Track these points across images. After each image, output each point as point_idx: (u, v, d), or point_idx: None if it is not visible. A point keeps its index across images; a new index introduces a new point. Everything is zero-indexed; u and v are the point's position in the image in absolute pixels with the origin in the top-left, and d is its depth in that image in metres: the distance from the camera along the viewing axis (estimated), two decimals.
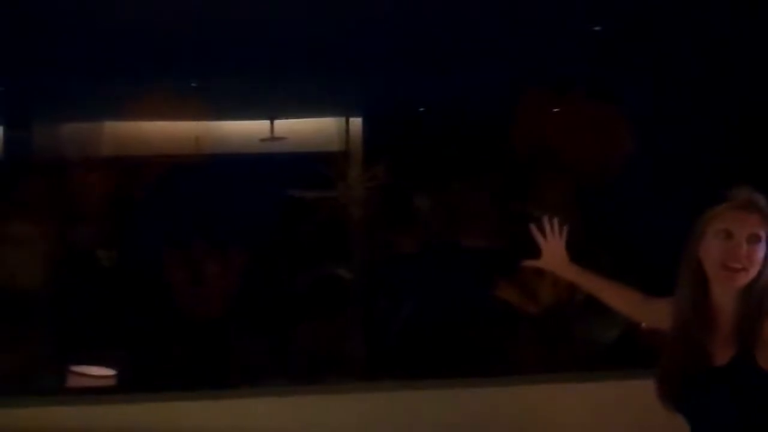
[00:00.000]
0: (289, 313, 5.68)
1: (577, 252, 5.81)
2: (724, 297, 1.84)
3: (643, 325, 3.99)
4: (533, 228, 2.31)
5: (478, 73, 7.01)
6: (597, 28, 6.89)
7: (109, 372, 5.21)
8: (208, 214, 6.29)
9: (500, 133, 6.41)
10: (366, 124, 7.85)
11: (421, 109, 8.03)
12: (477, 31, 6.79)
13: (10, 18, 6.24)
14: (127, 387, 5.04)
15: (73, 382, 5.11)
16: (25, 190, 5.69)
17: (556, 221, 2.26)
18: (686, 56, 6.76)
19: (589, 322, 5.67)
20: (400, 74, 7.53)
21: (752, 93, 6.50)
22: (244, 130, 8.24)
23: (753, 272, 1.80)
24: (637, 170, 6.29)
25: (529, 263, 2.30)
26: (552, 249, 2.28)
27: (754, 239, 1.80)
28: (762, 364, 1.77)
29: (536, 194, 5.86)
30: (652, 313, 2.20)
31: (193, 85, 7.75)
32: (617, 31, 6.80)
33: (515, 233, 5.62)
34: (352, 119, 8.04)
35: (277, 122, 8.32)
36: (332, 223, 6.38)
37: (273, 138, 8.27)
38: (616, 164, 6.20)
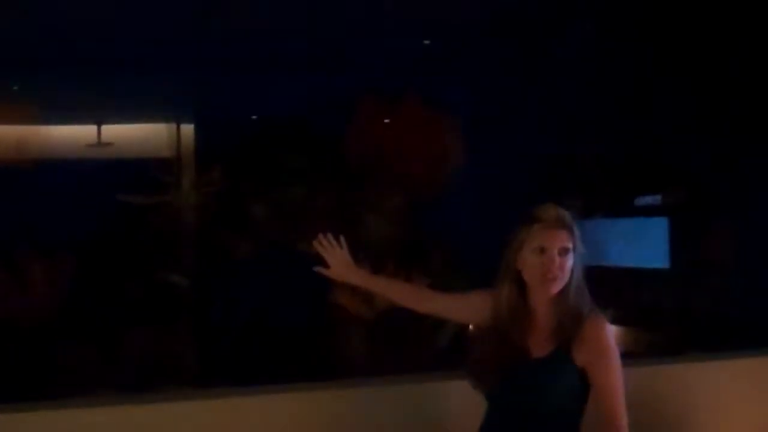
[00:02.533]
0: (121, 320, 5.51)
1: (410, 253, 5.99)
2: (541, 302, 2.01)
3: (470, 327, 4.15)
4: (315, 243, 2.40)
5: (313, 82, 7.05)
6: (426, 42, 7.11)
7: None
8: (34, 220, 5.99)
9: (336, 141, 6.47)
10: (198, 130, 7.72)
11: (254, 117, 7.98)
12: (313, 40, 6.86)
13: None
14: None
15: None
16: None
17: (331, 235, 2.37)
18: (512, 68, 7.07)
19: (422, 326, 5.83)
20: (233, 81, 7.47)
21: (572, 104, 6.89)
22: (70, 135, 7.92)
23: (565, 279, 1.99)
24: (465, 177, 6.51)
25: (319, 270, 2.39)
26: (336, 259, 2.36)
27: (563, 252, 1.99)
28: (576, 359, 1.95)
29: (370, 198, 5.98)
30: (450, 308, 2.35)
31: (14, 88, 7.39)
32: (445, 44, 7.03)
33: (351, 239, 5.73)
34: (183, 125, 7.88)
35: (105, 127, 8.05)
36: (166, 228, 6.23)
37: (100, 143, 7.99)
38: (447, 172, 6.39)
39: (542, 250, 1.96)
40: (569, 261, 1.95)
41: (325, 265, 2.32)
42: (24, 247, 5.65)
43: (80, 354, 5.24)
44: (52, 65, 7.10)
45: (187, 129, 7.88)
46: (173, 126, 7.90)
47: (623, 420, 1.93)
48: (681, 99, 6.73)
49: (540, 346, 1.96)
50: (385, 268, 5.58)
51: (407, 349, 5.49)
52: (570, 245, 1.96)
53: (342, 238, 2.26)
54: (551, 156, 6.94)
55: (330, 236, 2.25)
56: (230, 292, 5.69)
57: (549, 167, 6.83)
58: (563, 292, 1.95)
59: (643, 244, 7.82)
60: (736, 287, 6.74)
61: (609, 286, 7.20)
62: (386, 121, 6.61)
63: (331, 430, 3.86)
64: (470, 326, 4.21)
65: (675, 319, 6.91)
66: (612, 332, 1.97)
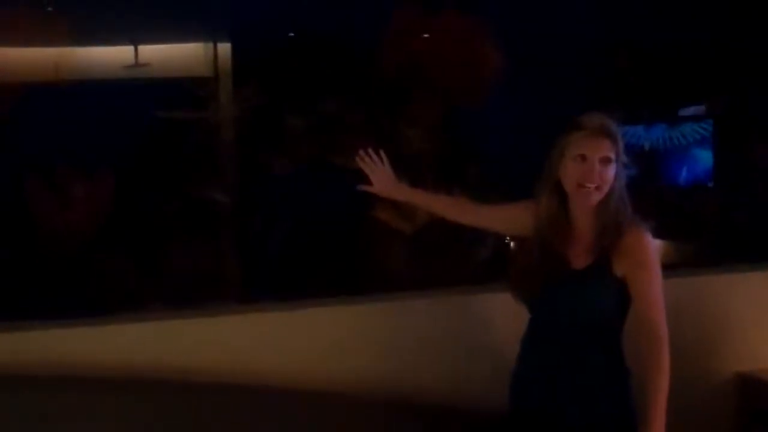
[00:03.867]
0: (162, 236, 5.57)
1: (448, 166, 5.95)
2: (581, 212, 2.00)
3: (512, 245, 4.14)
4: (358, 159, 2.39)
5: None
6: None
7: None
8: (74, 140, 6.03)
9: (372, 53, 6.38)
10: (235, 48, 7.67)
11: (291, 34, 7.90)
12: None
13: None
14: None
15: None
16: None
17: (377, 150, 2.35)
18: None
19: (464, 240, 5.81)
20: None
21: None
22: (107, 56, 7.92)
23: (605, 190, 1.95)
24: (503, 90, 6.40)
25: (363, 188, 2.39)
26: (379, 175, 2.36)
27: (605, 161, 1.95)
28: (616, 271, 1.93)
29: (407, 112, 5.91)
30: (493, 219, 2.34)
31: (49, 9, 7.38)
32: None
33: (389, 153, 5.69)
34: (220, 44, 7.84)
35: (142, 48, 8.03)
36: (205, 144, 6.24)
37: (138, 64, 7.98)
38: (485, 83, 6.29)
39: (583, 158, 1.92)
40: (611, 171, 1.92)
41: (368, 181, 2.31)
42: (65, 166, 5.69)
43: (123, 270, 5.32)
44: None
45: (224, 48, 7.85)
46: (210, 45, 7.87)
47: (662, 330, 1.91)
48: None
49: (580, 257, 1.95)
50: (422, 181, 5.55)
51: (448, 262, 5.50)
52: (612, 155, 1.93)
53: (383, 153, 2.26)
54: (592, 66, 6.81)
55: (371, 152, 2.24)
56: (270, 208, 5.71)
57: (590, 77, 6.70)
58: (604, 202, 1.92)
59: (686, 155, 7.72)
60: None
61: (651, 197, 7.21)
62: (423, 32, 6.49)
63: (372, 344, 3.90)
64: (509, 238, 4.19)
65: (717, 231, 6.83)
66: (653, 243, 1.95)
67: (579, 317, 1.95)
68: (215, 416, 2.80)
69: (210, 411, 2.82)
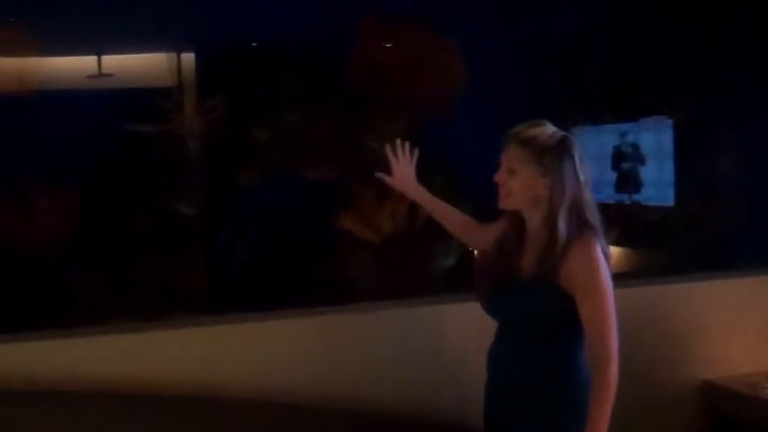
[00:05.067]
0: (130, 249, 5.51)
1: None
2: (532, 222, 2.00)
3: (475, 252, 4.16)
4: (387, 148, 2.39)
5: (312, 6, 6.92)
6: None
7: None
8: (39, 152, 5.95)
9: (336, 64, 6.37)
10: (198, 58, 7.62)
11: (254, 44, 7.87)
12: None
13: None
14: None
15: None
16: None
17: (408, 145, 2.35)
18: None
19: (428, 250, 5.82)
20: (231, 7, 7.35)
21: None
22: (70, 67, 7.84)
23: (515, 198, 1.98)
24: (467, 100, 6.43)
25: (381, 176, 2.38)
26: (402, 170, 2.37)
27: (509, 171, 1.98)
28: (562, 284, 1.94)
29: (371, 123, 5.91)
30: (483, 238, 2.35)
31: (12, 20, 7.29)
32: None
33: (354, 164, 5.70)
34: (183, 54, 7.79)
35: (105, 58, 7.96)
36: (170, 156, 6.19)
37: (101, 74, 7.91)
38: (449, 94, 6.31)
39: (499, 165, 1.96)
40: (514, 180, 1.93)
41: (389, 172, 2.31)
42: (30, 179, 5.61)
43: (89, 283, 5.26)
44: None
45: (187, 57, 7.80)
46: (173, 55, 7.81)
47: (610, 348, 1.88)
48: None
49: (529, 268, 1.95)
50: (387, 192, 5.57)
51: (413, 272, 5.51)
52: (516, 166, 1.93)
53: (416, 151, 2.26)
54: (553, 77, 6.86)
55: (406, 146, 2.24)
56: (236, 219, 5.68)
57: (550, 89, 6.75)
58: (550, 214, 1.93)
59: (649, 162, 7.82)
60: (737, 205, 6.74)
61: (614, 206, 7.28)
62: (386, 43, 6.51)
63: (338, 355, 3.89)
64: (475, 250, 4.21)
65: (680, 238, 6.91)
66: (598, 262, 1.93)
67: (524, 327, 1.96)
68: (181, 429, 2.77)
69: (176, 424, 2.79)
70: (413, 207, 5.46)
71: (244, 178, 5.80)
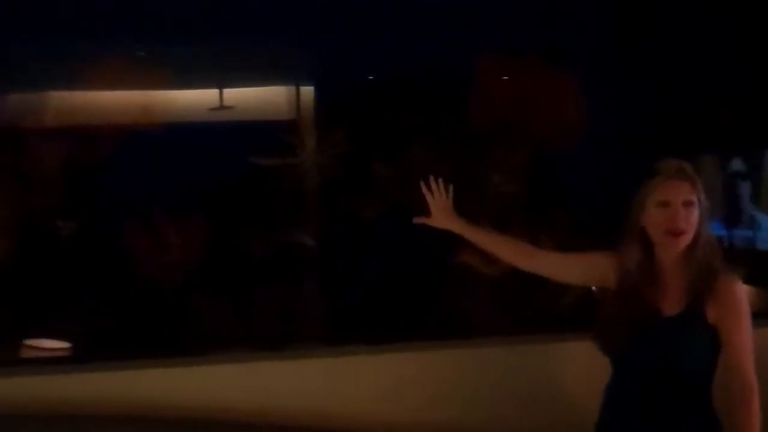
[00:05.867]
0: (252, 280, 5.66)
1: (534, 212, 5.94)
2: (669, 259, 1.99)
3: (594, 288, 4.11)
4: (422, 187, 2.39)
5: (430, 40, 7.01)
6: None
7: (63, 345, 5.16)
8: (170, 182, 6.20)
9: (457, 99, 6.42)
10: (318, 92, 7.79)
11: (371, 77, 8.00)
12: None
13: None
14: (86, 356, 4.98)
15: (26, 354, 5.06)
16: None
17: (441, 181, 2.35)
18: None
19: (548, 286, 5.76)
20: (351, 42, 7.49)
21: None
22: (193, 99, 8.13)
23: (692, 234, 1.94)
24: (589, 136, 6.39)
25: (419, 220, 2.38)
26: (439, 206, 2.37)
27: (687, 204, 1.94)
28: (709, 317, 1.90)
29: (493, 158, 5.93)
30: (560, 267, 2.30)
31: (140, 54, 7.60)
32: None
33: (474, 198, 5.71)
34: (302, 87, 7.98)
35: (226, 91, 8.23)
36: (292, 189, 6.35)
37: (222, 107, 8.18)
38: (570, 130, 6.28)
39: (666, 204, 1.93)
40: (694, 214, 1.92)
41: (427, 213, 2.33)
42: (160, 211, 5.84)
43: (212, 313, 5.42)
44: (175, 31, 7.27)
45: (306, 91, 7.97)
46: (292, 88, 8.00)
47: (753, 378, 1.90)
48: None
49: (671, 305, 1.94)
50: (508, 228, 5.55)
51: (532, 309, 5.47)
52: (693, 197, 1.92)
53: (450, 187, 2.27)
54: (677, 111, 6.74)
55: (439, 182, 2.26)
56: (356, 252, 5.77)
57: (675, 123, 6.63)
58: (692, 247, 1.92)
59: None
60: None
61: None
62: (508, 77, 6.53)
63: (454, 389, 3.88)
64: (593, 288, 4.14)
65: None
66: (744, 290, 1.93)
67: (672, 366, 1.94)
68: None
69: None
70: (535, 243, 5.42)
71: (365, 212, 5.88)
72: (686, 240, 1.92)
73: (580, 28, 7.05)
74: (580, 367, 3.34)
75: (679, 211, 1.91)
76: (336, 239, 5.96)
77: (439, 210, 2.32)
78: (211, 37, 7.36)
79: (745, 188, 7.60)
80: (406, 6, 6.92)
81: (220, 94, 8.24)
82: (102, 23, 6.83)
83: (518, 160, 5.98)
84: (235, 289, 5.61)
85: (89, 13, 6.58)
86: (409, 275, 5.44)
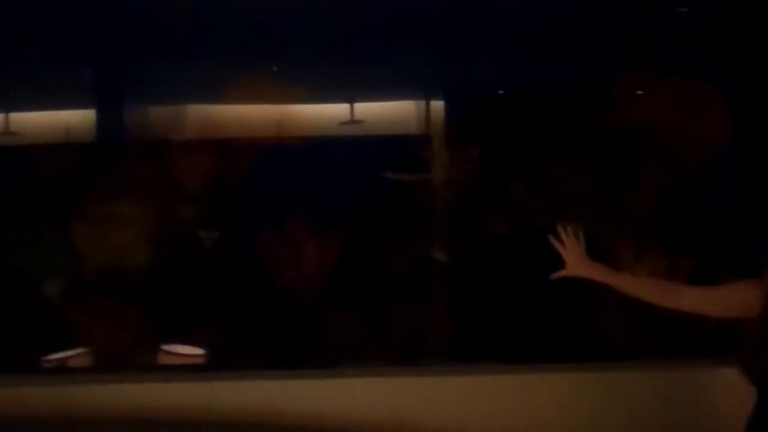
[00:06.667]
0: (385, 294, 5.72)
1: (675, 233, 5.79)
2: None
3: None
4: (552, 239, 2.35)
5: (566, 53, 6.93)
6: (684, 10, 6.79)
7: (198, 351, 5.33)
8: (304, 196, 6.34)
9: (595, 115, 6.32)
10: (449, 106, 7.80)
11: (502, 91, 7.96)
12: (562, 11, 6.75)
13: (104, 3, 6.39)
14: (219, 365, 5.14)
15: (163, 360, 5.25)
16: (130, 172, 5.84)
17: (570, 229, 2.30)
18: None
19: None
20: (482, 56, 7.49)
21: None
22: (325, 113, 8.28)
23: None
24: (731, 156, 6.18)
25: (556, 276, 2.35)
26: (574, 256, 2.32)
27: None
28: None
29: (632, 176, 5.81)
30: (705, 302, 2.23)
31: (274, 69, 7.82)
32: (706, 12, 6.69)
33: (611, 217, 5.61)
34: (433, 101, 8.00)
35: (357, 105, 8.35)
36: (426, 204, 6.38)
37: (353, 121, 8.30)
38: (714, 147, 6.08)
39: None
40: None
41: (561, 262, 2.29)
42: (298, 222, 5.98)
43: (344, 325, 5.50)
44: (307, 47, 7.43)
45: (436, 105, 7.99)
46: (421, 102, 8.05)
47: None
48: None
49: None
50: (645, 248, 5.42)
51: (673, 331, 5.30)
52: None
53: (580, 233, 2.24)
54: None
55: (569, 229, 2.24)
56: (488, 268, 5.74)
57: None
58: None
59: None
60: None
61: None
62: (647, 92, 6.38)
63: (591, 412, 3.82)
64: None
65: None
66: None
67: None
68: None
69: None
70: (673, 264, 5.28)
71: (498, 228, 5.86)
72: None
73: (724, 42, 6.85)
74: (725, 393, 3.25)
75: None
76: (469, 255, 5.94)
77: (575, 259, 2.31)
78: (344, 53, 7.49)
79: None
80: (539, 18, 6.87)
81: (351, 108, 8.37)
82: (239, 42, 7.08)
83: (659, 178, 5.83)
84: (368, 303, 5.68)
85: (228, 33, 6.85)
86: (543, 293, 5.36)
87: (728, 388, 2.56)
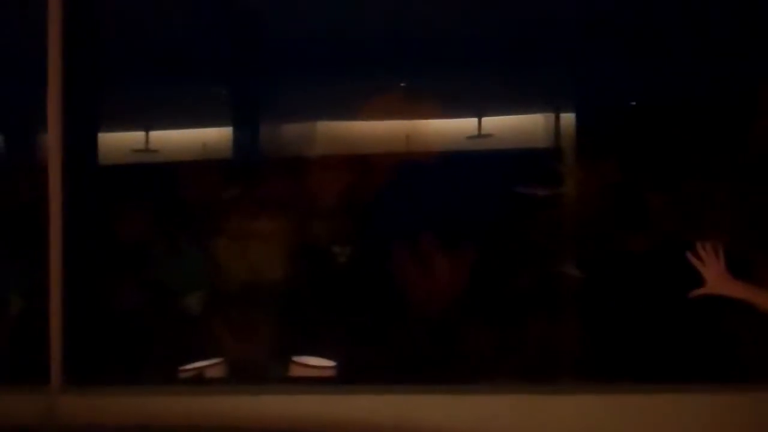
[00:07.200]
0: (517, 309, 5.68)
1: None
2: None
3: None
4: (690, 257, 2.28)
5: (702, 63, 6.74)
6: None
7: (328, 363, 5.42)
8: (435, 210, 6.39)
9: (736, 127, 6.12)
10: (579, 119, 7.71)
11: (632, 103, 7.80)
12: (697, 21, 6.58)
13: (240, 21, 6.63)
14: (347, 378, 5.21)
15: (294, 372, 5.37)
16: (265, 188, 6.02)
17: (709, 245, 2.22)
18: None
19: None
20: (614, 67, 7.37)
21: None
22: (452, 127, 8.32)
23: None
24: None
25: (696, 294, 2.27)
26: (714, 273, 2.24)
27: None
28: None
29: None
30: None
31: (402, 84, 7.92)
32: None
33: (755, 232, 5.40)
34: (562, 115, 7.93)
35: (485, 119, 8.35)
36: (559, 219, 6.32)
37: (480, 135, 8.31)
38: None
39: None
40: None
41: (702, 280, 2.23)
42: (429, 237, 6.03)
43: (479, 341, 5.49)
44: (433, 61, 7.49)
45: (566, 118, 7.92)
46: (550, 116, 7.98)
47: None
48: None
49: None
50: None
51: None
52: None
53: (720, 250, 2.18)
54: None
55: (708, 246, 2.18)
56: (624, 285, 5.62)
57: None
58: None
59: None
60: None
61: None
62: None
63: None
64: None
65: None
66: None
67: None
68: None
69: None
70: None
71: (634, 244, 5.73)
72: None
73: None
74: None
75: None
76: (604, 271, 5.84)
77: (715, 277, 2.25)
78: (472, 67, 7.51)
79: None
80: (671, 28, 6.72)
81: (479, 122, 8.39)
82: (367, 59, 7.23)
83: None
84: (501, 319, 5.66)
85: (359, 51, 7.01)
86: (679, 311, 5.21)
87: None
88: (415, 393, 4.34)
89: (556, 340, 5.59)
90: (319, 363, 5.51)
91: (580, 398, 4.27)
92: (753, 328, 5.32)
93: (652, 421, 4.06)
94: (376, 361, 5.35)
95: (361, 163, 6.60)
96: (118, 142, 8.06)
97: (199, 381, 5.22)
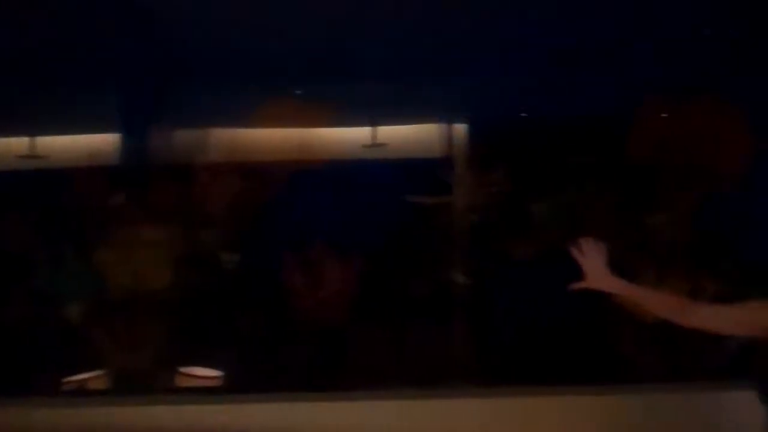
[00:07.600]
0: (405, 317, 5.74)
1: (699, 256, 5.77)
2: None
3: None
4: (572, 249, 2.38)
5: (583, 78, 6.96)
6: (707, 32, 6.80)
7: (215, 373, 5.38)
8: (326, 219, 6.40)
9: (617, 138, 6.33)
10: (471, 129, 7.84)
11: (523, 114, 7.99)
12: (585, 34, 6.79)
13: (131, 28, 6.51)
14: (235, 388, 5.17)
15: (180, 382, 5.30)
16: (153, 195, 5.92)
17: (591, 240, 2.33)
18: None
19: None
20: (505, 79, 7.53)
21: None
22: (346, 136, 8.34)
23: None
24: (755, 177, 6.15)
25: (575, 286, 2.37)
26: (593, 267, 2.34)
27: None
28: None
29: (655, 199, 5.80)
30: (722, 320, 2.25)
31: (297, 92, 7.90)
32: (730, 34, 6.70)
33: (633, 242, 5.61)
34: (455, 125, 8.04)
35: (379, 128, 8.40)
36: (447, 227, 6.41)
37: (375, 144, 8.35)
38: (737, 171, 6.07)
39: None
40: None
41: (581, 274, 2.31)
42: (319, 245, 6.03)
43: (367, 349, 5.52)
44: (329, 71, 7.51)
45: (459, 128, 8.03)
46: (444, 125, 8.08)
47: None
48: None
49: None
50: (668, 273, 5.41)
51: (691, 354, 5.29)
52: None
53: (601, 245, 2.27)
54: None
55: (590, 241, 2.27)
56: (508, 292, 5.75)
57: None
58: None
59: None
60: None
61: None
62: (671, 115, 6.38)
63: None
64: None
65: None
66: None
67: None
68: None
69: None
70: (697, 287, 5.27)
71: (518, 252, 5.87)
72: None
73: (744, 63, 6.84)
74: (744, 415, 3.25)
75: None
76: (490, 279, 5.96)
77: (594, 271, 2.33)
78: (365, 76, 7.56)
79: None
80: (563, 41, 6.91)
81: (373, 131, 8.43)
82: (262, 66, 7.19)
83: (682, 203, 5.82)
84: (389, 326, 5.70)
85: (252, 57, 6.96)
86: (563, 317, 5.37)
87: (747, 410, 2.56)
88: (302, 400, 4.34)
89: (443, 345, 5.68)
90: (206, 373, 5.46)
91: (468, 402, 4.34)
92: (634, 330, 5.53)
93: (538, 422, 4.15)
94: (264, 370, 5.32)
95: (253, 171, 6.58)
96: (2, 147, 7.83)
97: (82, 392, 5.11)
